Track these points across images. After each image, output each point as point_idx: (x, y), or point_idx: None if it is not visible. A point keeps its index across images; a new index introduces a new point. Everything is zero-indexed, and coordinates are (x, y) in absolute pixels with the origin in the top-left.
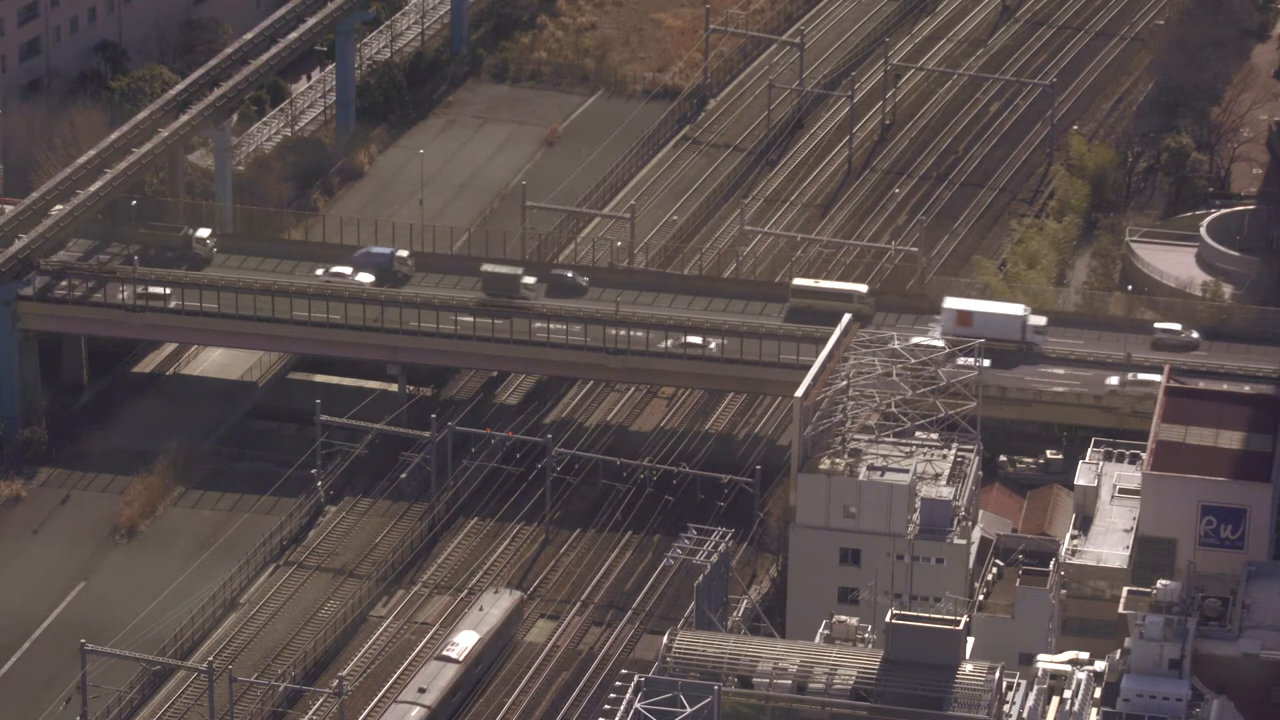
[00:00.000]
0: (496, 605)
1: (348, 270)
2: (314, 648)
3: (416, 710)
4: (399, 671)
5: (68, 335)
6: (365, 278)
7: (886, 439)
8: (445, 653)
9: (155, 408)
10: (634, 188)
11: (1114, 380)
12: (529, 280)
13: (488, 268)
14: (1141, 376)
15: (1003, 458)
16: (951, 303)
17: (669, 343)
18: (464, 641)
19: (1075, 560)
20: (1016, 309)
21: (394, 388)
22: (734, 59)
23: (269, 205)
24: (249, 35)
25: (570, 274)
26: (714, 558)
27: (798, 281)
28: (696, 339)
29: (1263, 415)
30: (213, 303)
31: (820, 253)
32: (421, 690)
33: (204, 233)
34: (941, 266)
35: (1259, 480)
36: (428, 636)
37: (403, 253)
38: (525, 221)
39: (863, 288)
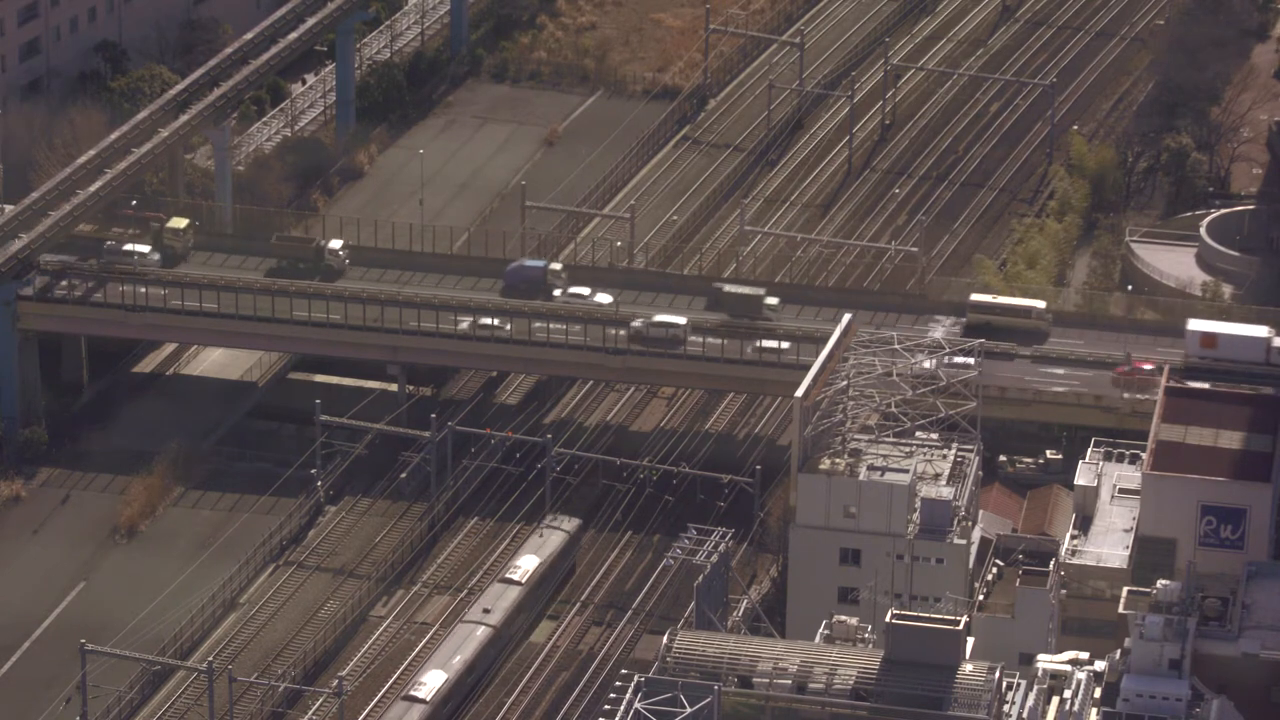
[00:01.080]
0: (556, 531)
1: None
2: (314, 648)
3: (482, 629)
4: (399, 671)
5: (68, 335)
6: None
7: (886, 439)
8: (509, 575)
9: (155, 408)
10: (634, 188)
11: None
12: (771, 300)
13: (729, 288)
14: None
15: (1003, 458)
16: (1196, 325)
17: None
18: (526, 565)
19: (1075, 560)
20: (1260, 331)
21: (394, 388)
22: (734, 59)
23: (269, 205)
24: (249, 35)
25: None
26: (714, 558)
27: (975, 297)
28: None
29: (1263, 415)
30: (213, 303)
31: (820, 253)
32: (486, 610)
33: (336, 244)
34: (941, 266)
35: (1259, 480)
36: (428, 636)
37: (556, 265)
38: (525, 221)
39: (1040, 303)
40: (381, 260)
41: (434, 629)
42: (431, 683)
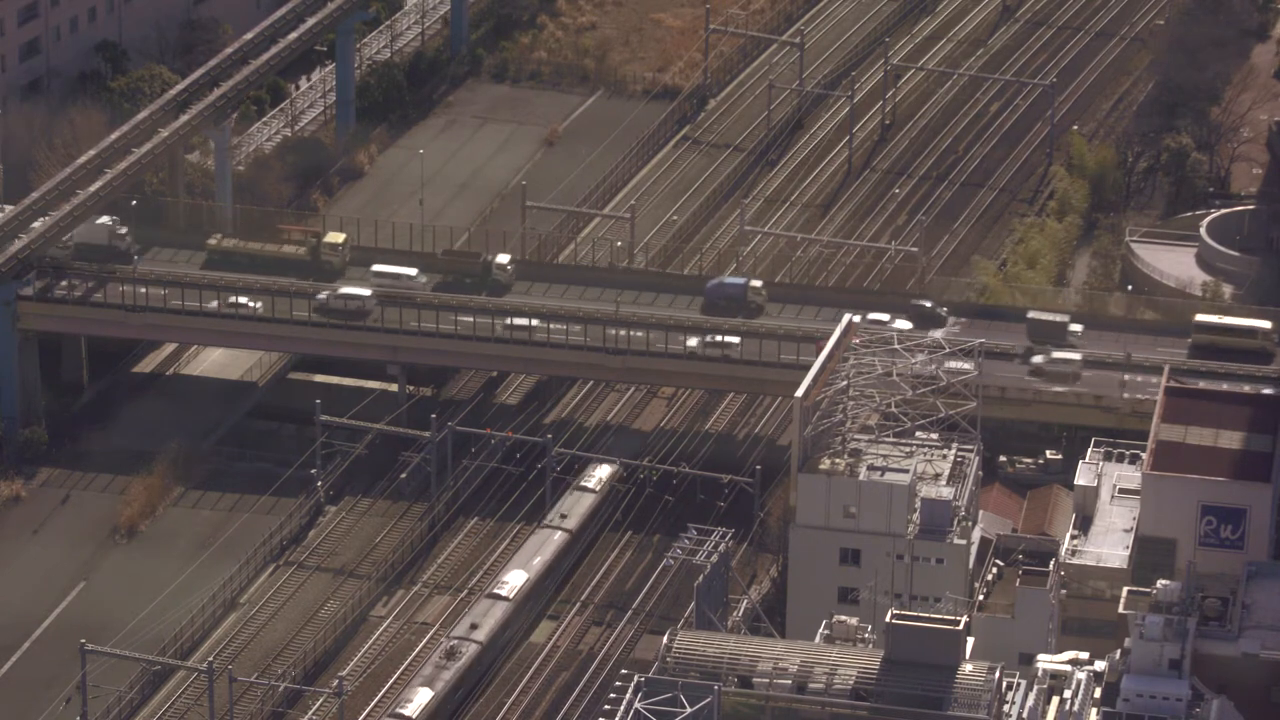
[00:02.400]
0: (597, 474)
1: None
2: (314, 648)
3: (559, 534)
4: (399, 671)
5: (68, 335)
6: None
7: (886, 439)
8: (553, 524)
9: (155, 408)
10: (634, 188)
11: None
12: (1076, 328)
13: (1034, 314)
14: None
15: (1003, 458)
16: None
17: (695, 342)
18: (574, 510)
19: (1075, 560)
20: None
21: (394, 388)
22: (734, 59)
23: (269, 205)
24: (249, 35)
25: (930, 304)
26: (714, 558)
27: (1201, 318)
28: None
29: (1263, 415)
30: (213, 303)
31: (820, 253)
32: (564, 516)
33: (503, 259)
34: (941, 266)
35: (1259, 480)
36: (428, 636)
37: (756, 283)
38: (525, 221)
39: (1266, 324)
40: (380, 260)
41: (434, 629)
42: (514, 582)
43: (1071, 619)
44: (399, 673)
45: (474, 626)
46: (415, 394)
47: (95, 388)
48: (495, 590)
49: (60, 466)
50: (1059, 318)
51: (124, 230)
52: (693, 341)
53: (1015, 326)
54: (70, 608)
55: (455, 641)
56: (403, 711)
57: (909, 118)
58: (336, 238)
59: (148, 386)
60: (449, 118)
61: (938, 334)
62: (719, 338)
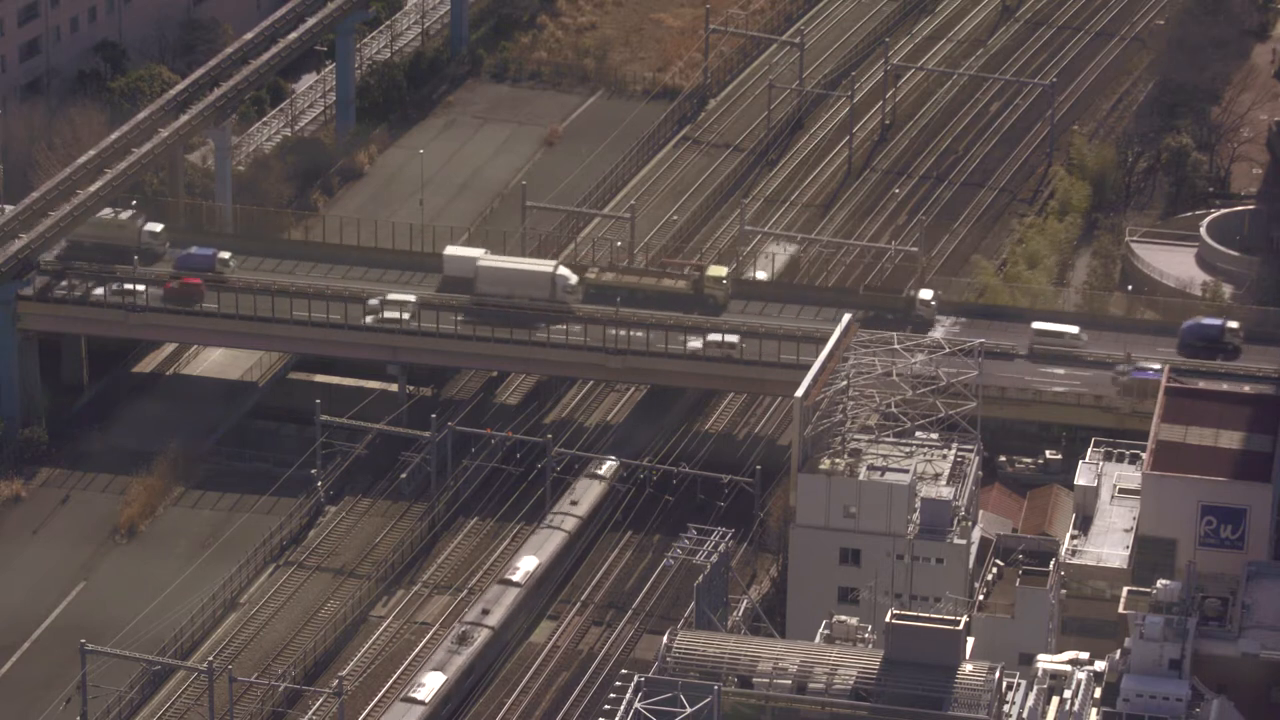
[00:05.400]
0: (607, 464)
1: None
2: (314, 648)
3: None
4: (399, 671)
5: (68, 335)
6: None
7: (886, 439)
8: (565, 510)
9: (155, 408)
10: (634, 188)
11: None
12: (1077, 332)
13: (1039, 325)
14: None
15: (1003, 458)
16: None
17: (699, 342)
18: (585, 497)
19: (1075, 560)
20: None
21: (394, 388)
22: (734, 59)
23: (269, 205)
24: (249, 35)
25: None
26: (714, 558)
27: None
28: (732, 338)
29: (1263, 415)
30: (213, 303)
31: (820, 253)
32: (545, 543)
33: (926, 295)
34: (941, 266)
35: (1259, 480)
36: (428, 636)
37: (1233, 324)
38: (525, 221)
39: (1074, 329)
40: (381, 260)
41: (434, 629)
42: (526, 568)
43: (1071, 619)
44: (399, 672)
45: (485, 612)
46: (415, 394)
47: (95, 388)
48: (507, 576)
49: (60, 466)
50: (1067, 328)
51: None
52: (695, 343)
53: (1015, 326)
54: (70, 608)
55: (467, 627)
56: (415, 695)
57: (909, 118)
58: (719, 271)
59: (148, 386)
60: (449, 118)
61: (937, 334)
62: (722, 337)
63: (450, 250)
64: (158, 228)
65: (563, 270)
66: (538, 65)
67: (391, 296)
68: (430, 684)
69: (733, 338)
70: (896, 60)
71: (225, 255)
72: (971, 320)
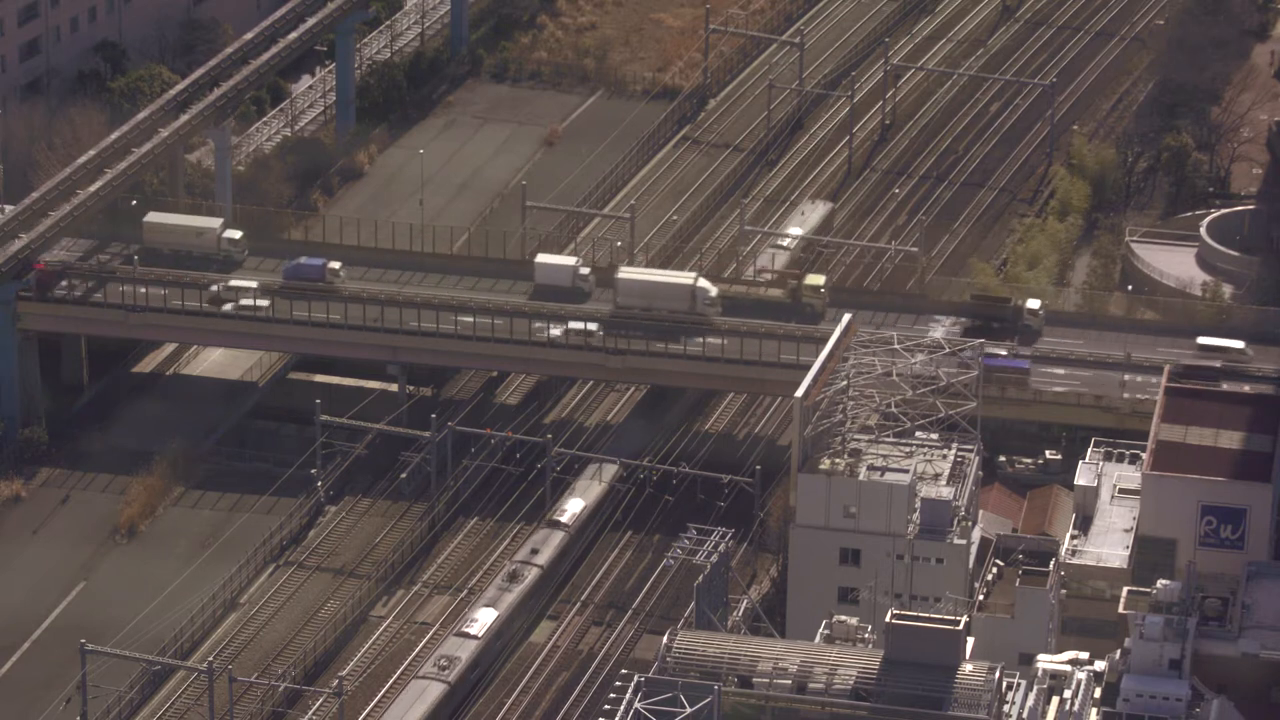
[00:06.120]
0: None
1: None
2: (314, 648)
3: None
4: (399, 672)
5: (68, 335)
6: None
7: (886, 439)
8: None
9: (155, 408)
10: (634, 188)
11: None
12: (1242, 347)
13: (1204, 340)
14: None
15: (1003, 458)
16: None
17: (558, 331)
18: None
19: (1075, 560)
20: None
21: (394, 388)
22: (734, 59)
23: (269, 205)
24: (249, 35)
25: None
26: (714, 558)
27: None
28: (592, 325)
29: (1263, 415)
30: (213, 303)
31: (820, 253)
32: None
33: (1034, 304)
34: (941, 266)
35: (1259, 480)
36: (427, 637)
37: (1035, 303)
38: (525, 221)
39: (1035, 303)
40: (382, 260)
41: (434, 629)
42: (573, 510)
43: (1071, 619)
44: (399, 672)
45: (535, 551)
46: (415, 394)
47: (95, 388)
48: (555, 518)
49: (60, 466)
50: (1232, 344)
51: (237, 235)
52: (556, 331)
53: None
54: (70, 608)
55: (517, 565)
56: (468, 630)
57: (909, 118)
58: (817, 280)
59: (148, 386)
60: (449, 118)
61: (938, 334)
62: (584, 325)
63: (542, 258)
64: (237, 235)
65: (703, 282)
66: (538, 65)
67: (234, 283)
68: (483, 619)
69: (592, 325)
70: (896, 60)
71: (335, 265)
72: (1081, 330)
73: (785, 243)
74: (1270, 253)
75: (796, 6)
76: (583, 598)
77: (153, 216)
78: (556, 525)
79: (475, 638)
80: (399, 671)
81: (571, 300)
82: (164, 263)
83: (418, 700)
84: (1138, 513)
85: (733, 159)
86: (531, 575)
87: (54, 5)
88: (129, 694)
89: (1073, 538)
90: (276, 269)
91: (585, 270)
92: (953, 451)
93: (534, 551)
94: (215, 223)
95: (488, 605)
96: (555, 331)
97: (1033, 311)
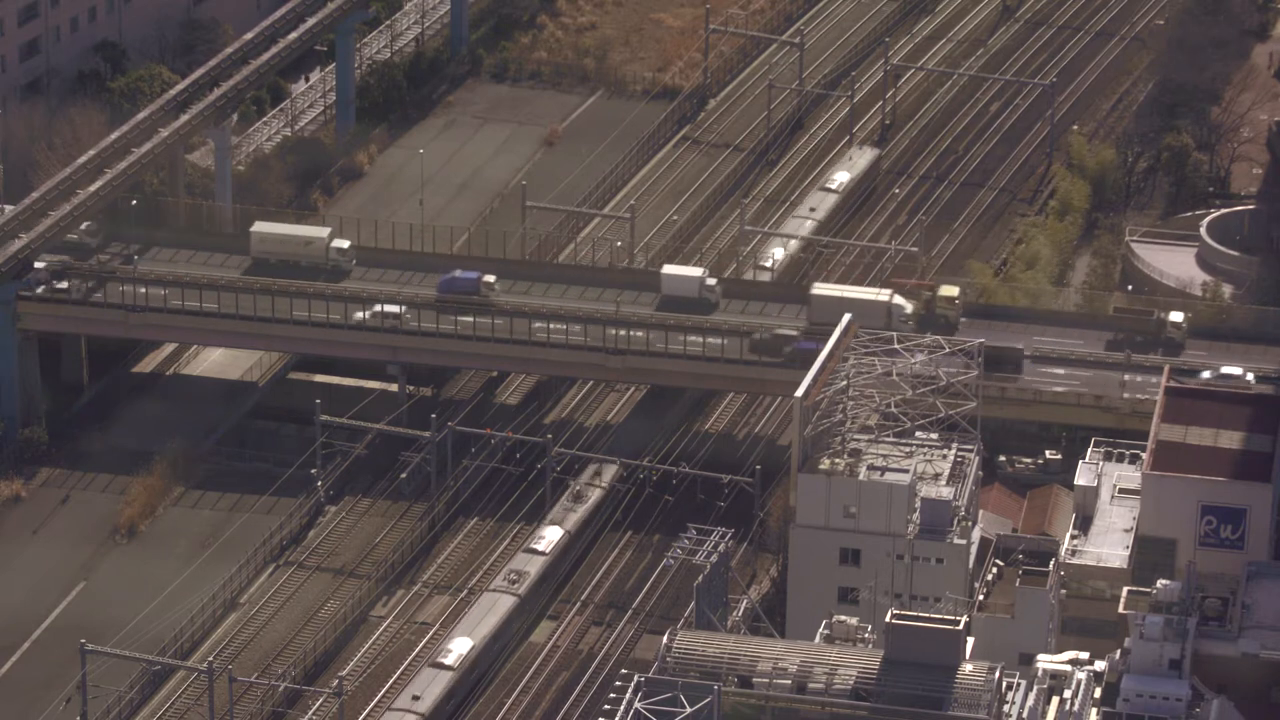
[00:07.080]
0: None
1: None
2: (314, 648)
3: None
4: (399, 672)
5: (68, 335)
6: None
7: (886, 439)
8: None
9: (155, 408)
10: (634, 188)
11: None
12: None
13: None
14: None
15: (1003, 458)
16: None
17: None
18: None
19: (1075, 560)
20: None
21: (394, 388)
22: (734, 59)
23: (269, 205)
24: (249, 35)
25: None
26: (714, 558)
27: (261, 229)
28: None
29: (1263, 415)
30: (213, 303)
31: (820, 253)
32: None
33: (1177, 317)
34: (941, 266)
35: (1259, 480)
36: (427, 637)
37: (1178, 316)
38: (525, 221)
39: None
40: (382, 260)
41: (434, 629)
42: None
43: (1071, 619)
44: (399, 672)
45: (597, 474)
46: (415, 394)
47: (95, 388)
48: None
49: (60, 466)
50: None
51: (345, 245)
52: (360, 314)
53: (1014, 327)
54: (70, 608)
55: (581, 486)
56: (536, 546)
57: (909, 118)
58: (951, 291)
59: (148, 386)
60: (449, 118)
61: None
62: (382, 308)
63: (668, 269)
64: (345, 244)
65: (899, 299)
66: (538, 65)
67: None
68: (549, 536)
69: (395, 308)
70: (896, 60)
71: (490, 279)
72: (1226, 344)
73: (833, 185)
74: (1270, 253)
75: (796, 6)
76: (583, 598)
77: (260, 226)
78: (534, 553)
79: (543, 554)
80: (399, 671)
81: (699, 312)
82: (271, 273)
83: (489, 612)
84: (1138, 513)
85: (733, 159)
86: (594, 496)
87: (54, 5)
88: (129, 694)
89: (1073, 538)
90: (383, 278)
91: (711, 281)
92: (953, 451)
93: (596, 474)
94: (323, 232)
95: (553, 524)
96: (361, 315)
97: (1176, 324)
